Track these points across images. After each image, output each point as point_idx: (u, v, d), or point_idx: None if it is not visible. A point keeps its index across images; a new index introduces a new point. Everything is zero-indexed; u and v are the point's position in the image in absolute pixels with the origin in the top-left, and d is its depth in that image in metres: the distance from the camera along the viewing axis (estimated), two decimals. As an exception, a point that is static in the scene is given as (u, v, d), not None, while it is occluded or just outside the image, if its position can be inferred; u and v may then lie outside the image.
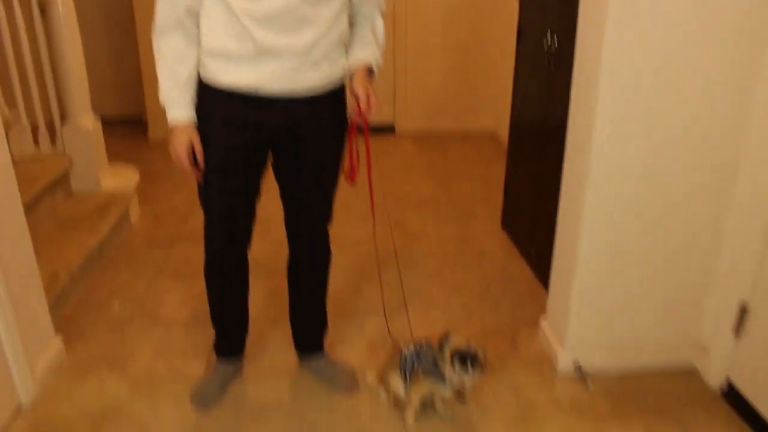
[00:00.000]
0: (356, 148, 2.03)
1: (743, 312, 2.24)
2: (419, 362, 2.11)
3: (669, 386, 2.38)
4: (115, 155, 4.71)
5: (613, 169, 2.15)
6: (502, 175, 3.74)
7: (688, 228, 2.27)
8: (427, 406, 2.23)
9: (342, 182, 2.07)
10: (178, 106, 1.87)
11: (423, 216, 3.95)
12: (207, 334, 2.58)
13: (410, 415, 2.17)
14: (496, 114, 5.62)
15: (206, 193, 2.00)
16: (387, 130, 5.76)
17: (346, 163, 2.04)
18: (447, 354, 2.00)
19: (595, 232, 2.25)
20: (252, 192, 2.04)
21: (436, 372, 2.06)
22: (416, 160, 4.99)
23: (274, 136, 1.95)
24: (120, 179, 3.87)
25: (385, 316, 2.43)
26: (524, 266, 3.30)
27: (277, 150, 2.00)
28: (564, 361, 2.45)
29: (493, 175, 4.60)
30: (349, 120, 2.01)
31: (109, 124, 5.33)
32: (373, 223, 2.33)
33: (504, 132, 5.06)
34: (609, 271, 2.32)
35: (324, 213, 2.14)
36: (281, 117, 1.91)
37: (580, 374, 2.42)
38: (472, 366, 1.99)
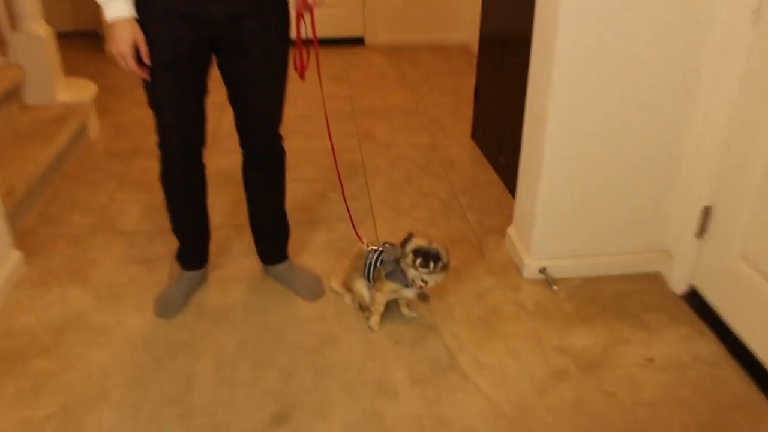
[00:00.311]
0: (304, 43, 1.97)
1: (706, 215, 2.25)
2: (382, 264, 2.10)
3: (633, 290, 2.41)
4: (71, 70, 4.56)
5: (577, 73, 2.10)
6: (472, 85, 3.67)
7: (653, 133, 2.24)
8: (391, 308, 2.24)
9: (299, 94, 2.00)
10: (116, 0, 1.78)
11: (392, 126, 3.90)
12: (170, 244, 2.55)
13: (375, 318, 2.18)
14: (467, 26, 5.49)
15: (154, 91, 1.93)
16: (356, 42, 5.61)
17: (295, 58, 1.98)
18: (409, 253, 1.99)
19: (559, 138, 2.21)
20: (200, 90, 1.98)
21: (399, 274, 2.05)
22: (386, 72, 4.89)
23: (217, 29, 1.88)
24: (77, 91, 3.73)
25: (349, 215, 2.40)
26: (493, 176, 3.29)
27: (221, 46, 1.93)
28: (529, 267, 2.46)
29: (463, 86, 4.53)
30: (296, 13, 1.94)
31: (65, 38, 5.12)
32: (325, 113, 2.27)
33: (475, 44, 4.96)
34: (573, 179, 2.30)
35: (273, 112, 2.08)
36: (224, 9, 1.84)
37: (546, 279, 2.44)
38: (434, 264, 1.98)
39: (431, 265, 1.98)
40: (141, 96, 1.96)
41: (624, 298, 2.37)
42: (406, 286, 2.07)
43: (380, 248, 2.16)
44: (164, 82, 1.90)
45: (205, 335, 2.16)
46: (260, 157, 2.17)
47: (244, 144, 2.15)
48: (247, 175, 2.23)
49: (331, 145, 2.31)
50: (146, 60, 1.85)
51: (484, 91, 3.53)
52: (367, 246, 2.22)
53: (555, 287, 2.39)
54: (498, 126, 3.28)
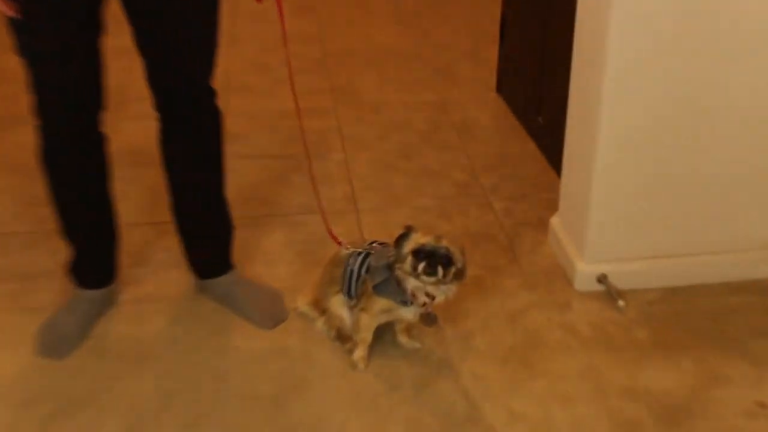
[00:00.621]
0: None
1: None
2: (369, 273, 2.09)
3: (735, 306, 2.41)
4: None
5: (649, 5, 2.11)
6: (497, 17, 3.68)
7: (755, 83, 2.25)
8: (384, 336, 2.24)
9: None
10: None
11: (382, 78, 3.89)
12: (60, 253, 2.54)
13: (360, 352, 2.17)
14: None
15: (23, 32, 1.91)
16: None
17: None
18: (407, 255, 1.98)
19: (623, 90, 2.21)
20: (92, 28, 1.97)
21: (393, 286, 2.04)
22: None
23: None
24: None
25: (320, 205, 2.40)
26: (528, 145, 3.28)
27: None
28: (584, 274, 2.46)
29: (484, 17, 4.52)
30: None
31: None
32: (288, 59, 2.28)
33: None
34: (646, 148, 2.30)
35: (200, 56, 2.07)
36: None
37: (607, 291, 2.43)
38: (444, 270, 1.97)
39: (440, 271, 1.96)
40: (7, 39, 1.97)
41: (722, 317, 2.36)
42: (404, 303, 2.06)
43: (365, 250, 2.15)
44: (37, 18, 1.88)
45: (114, 384, 2.14)
46: (184, 123, 2.16)
47: (159, 105, 2.14)
48: (167, 150, 2.22)
49: (296, 104, 2.29)
50: None
51: (514, 23, 3.52)
52: (347, 248, 2.21)
53: (621, 303, 2.38)
54: (534, 73, 3.27)
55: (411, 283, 2.02)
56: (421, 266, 1.96)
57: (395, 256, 2.02)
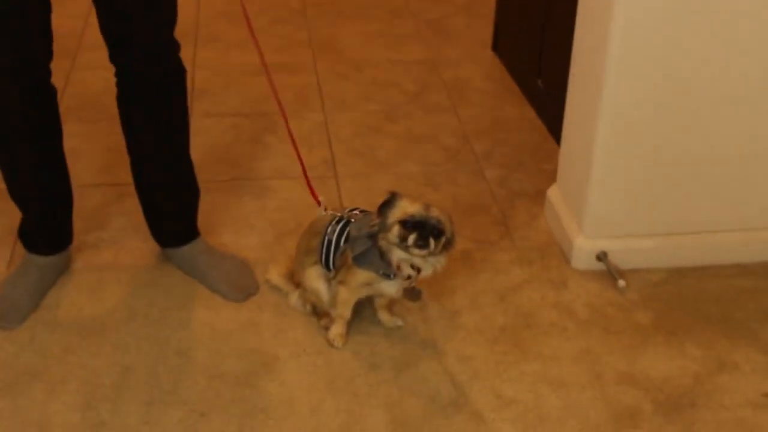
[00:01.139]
0: None
1: None
2: (349, 243, 2.10)
3: (746, 289, 2.43)
4: None
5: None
6: (494, -35, 3.66)
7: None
8: (363, 312, 2.25)
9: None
10: None
11: (366, 32, 3.88)
12: (10, 214, 2.53)
13: (337, 328, 2.18)
14: None
15: None
16: None
17: None
18: (393, 225, 1.99)
19: (631, 47, 2.21)
20: None
21: (375, 257, 2.05)
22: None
23: None
24: None
25: (299, 157, 2.36)
26: (525, 109, 3.29)
27: None
28: (582, 250, 2.47)
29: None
30: None
31: None
32: (244, 11, 2.25)
33: None
34: (657, 116, 2.31)
35: (161, 7, 2.07)
36: None
37: (607, 270, 2.45)
38: (435, 241, 1.98)
39: (431, 243, 1.98)
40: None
41: (731, 301, 2.38)
42: (387, 276, 2.07)
43: (345, 218, 2.16)
44: None
45: (67, 357, 2.15)
46: (142, 81, 2.16)
47: (116, 60, 2.14)
48: (125, 109, 2.23)
49: (262, 57, 2.27)
50: None
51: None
52: (325, 210, 2.21)
53: (622, 283, 2.40)
54: (534, 29, 3.26)
55: (396, 255, 2.02)
56: (411, 238, 1.96)
57: (379, 225, 2.02)
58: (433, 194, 2.79)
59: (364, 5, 4.17)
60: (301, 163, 2.32)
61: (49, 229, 2.37)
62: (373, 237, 2.05)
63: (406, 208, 2.00)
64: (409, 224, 1.98)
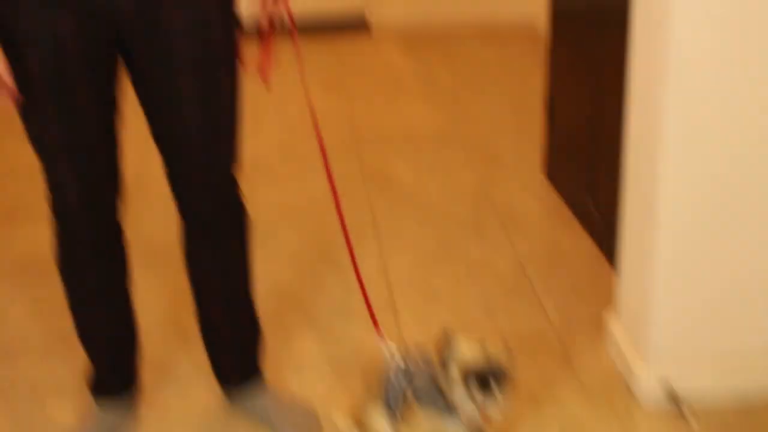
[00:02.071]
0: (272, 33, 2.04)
1: None
2: (411, 385, 2.10)
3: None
4: None
5: (708, 72, 2.15)
6: (537, 88, 3.75)
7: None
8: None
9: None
10: None
11: (417, 162, 3.91)
12: (77, 363, 2.57)
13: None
14: (530, -4, 5.56)
15: (34, 123, 1.96)
16: (356, 26, 5.70)
17: (255, 55, 2.03)
18: (455, 372, 2.00)
19: (686, 174, 2.23)
20: (105, 110, 2.01)
21: (437, 398, 2.05)
22: (405, 73, 4.95)
23: (120, 23, 1.91)
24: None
25: (364, 292, 2.34)
26: (581, 234, 3.30)
27: (132, 50, 1.97)
28: (647, 382, 2.44)
29: (528, 91, 4.55)
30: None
31: None
32: (319, 140, 2.27)
33: (544, 22, 5.02)
34: (713, 240, 2.30)
35: (222, 150, 2.10)
36: None
37: (674, 404, 2.42)
38: (498, 386, 1.98)
39: (495, 388, 1.98)
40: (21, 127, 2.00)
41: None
42: (452, 418, 2.05)
43: (406, 360, 2.15)
44: (45, 102, 1.93)
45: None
46: (207, 222, 2.18)
47: (179, 202, 2.17)
48: (189, 250, 2.25)
49: (333, 187, 2.30)
50: (4, 77, 1.87)
51: (561, 98, 3.53)
52: (391, 354, 2.19)
53: (692, 422, 2.36)
54: (587, 154, 3.28)
55: (461, 400, 2.01)
56: (476, 388, 1.97)
57: (441, 371, 2.04)
58: (490, 323, 2.79)
59: (413, 134, 4.23)
60: (368, 304, 2.29)
61: (117, 374, 2.37)
62: (434, 379, 2.06)
63: (463, 351, 2.01)
64: (471, 377, 1.98)
